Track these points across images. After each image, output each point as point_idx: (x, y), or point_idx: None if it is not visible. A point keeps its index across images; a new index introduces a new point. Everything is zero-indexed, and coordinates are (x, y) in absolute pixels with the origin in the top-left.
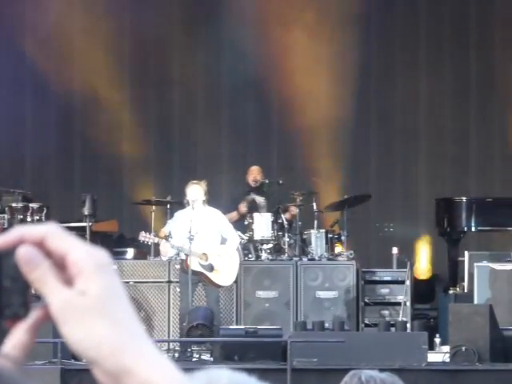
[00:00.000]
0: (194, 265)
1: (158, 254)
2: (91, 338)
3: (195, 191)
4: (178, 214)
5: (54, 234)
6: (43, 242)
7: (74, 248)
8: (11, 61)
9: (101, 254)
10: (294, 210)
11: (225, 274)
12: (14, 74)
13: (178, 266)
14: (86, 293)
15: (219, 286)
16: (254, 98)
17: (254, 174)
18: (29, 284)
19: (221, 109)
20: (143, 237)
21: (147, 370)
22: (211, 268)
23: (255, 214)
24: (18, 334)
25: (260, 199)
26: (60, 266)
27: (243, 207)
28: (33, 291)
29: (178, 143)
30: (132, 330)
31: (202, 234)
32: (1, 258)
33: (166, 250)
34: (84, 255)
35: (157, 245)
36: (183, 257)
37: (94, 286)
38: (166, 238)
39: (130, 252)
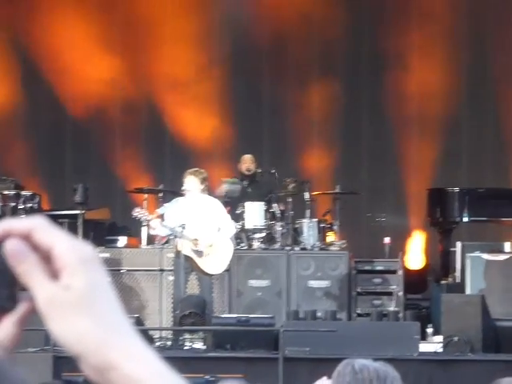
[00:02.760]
0: (186, 249)
1: (150, 242)
2: (75, 333)
3: (189, 181)
4: (178, 200)
5: (41, 227)
6: (30, 235)
7: (59, 242)
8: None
9: (86, 249)
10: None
11: (215, 262)
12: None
13: (169, 255)
14: (71, 287)
15: (208, 274)
16: (244, 85)
17: (248, 163)
18: (16, 277)
19: (212, 96)
20: (137, 212)
21: (131, 365)
22: (201, 255)
23: (247, 203)
24: (6, 327)
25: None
26: (46, 259)
27: (220, 190)
28: (20, 284)
29: (170, 131)
30: (117, 324)
31: (197, 222)
32: None
33: (156, 227)
34: (69, 249)
35: (149, 225)
36: (175, 241)
37: (79, 281)
38: (160, 217)
39: (122, 240)
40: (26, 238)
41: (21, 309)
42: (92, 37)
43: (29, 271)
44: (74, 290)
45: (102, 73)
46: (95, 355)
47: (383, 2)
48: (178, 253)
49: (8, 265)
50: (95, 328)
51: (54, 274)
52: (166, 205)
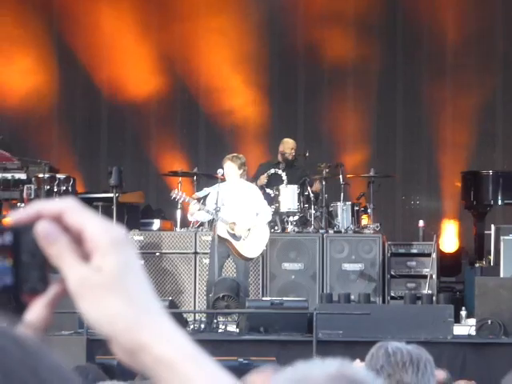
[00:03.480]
0: (222, 231)
1: (184, 225)
2: (106, 315)
3: (226, 166)
4: (217, 184)
5: (72, 209)
6: (61, 216)
7: (90, 223)
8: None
9: (117, 230)
10: (318, 186)
11: (251, 246)
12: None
13: (204, 238)
14: (102, 269)
15: (244, 257)
16: (281, 70)
17: (291, 147)
18: (47, 259)
19: (248, 80)
20: (175, 194)
21: (162, 347)
22: (239, 238)
23: (281, 187)
24: (37, 309)
25: (284, 176)
26: (78, 240)
27: (264, 179)
28: (51, 266)
29: (204, 115)
30: (147, 306)
31: (235, 206)
32: (19, 233)
33: (193, 211)
34: (100, 231)
35: (186, 208)
36: (214, 225)
37: (110, 263)
38: (198, 199)
39: (157, 223)
40: (57, 220)
41: (52, 291)
42: (128, 22)
43: (60, 253)
44: (105, 272)
45: (136, 57)
46: (126, 336)
47: None
48: (214, 236)
49: (39, 246)
50: (126, 309)
51: (85, 255)
52: (205, 189)
